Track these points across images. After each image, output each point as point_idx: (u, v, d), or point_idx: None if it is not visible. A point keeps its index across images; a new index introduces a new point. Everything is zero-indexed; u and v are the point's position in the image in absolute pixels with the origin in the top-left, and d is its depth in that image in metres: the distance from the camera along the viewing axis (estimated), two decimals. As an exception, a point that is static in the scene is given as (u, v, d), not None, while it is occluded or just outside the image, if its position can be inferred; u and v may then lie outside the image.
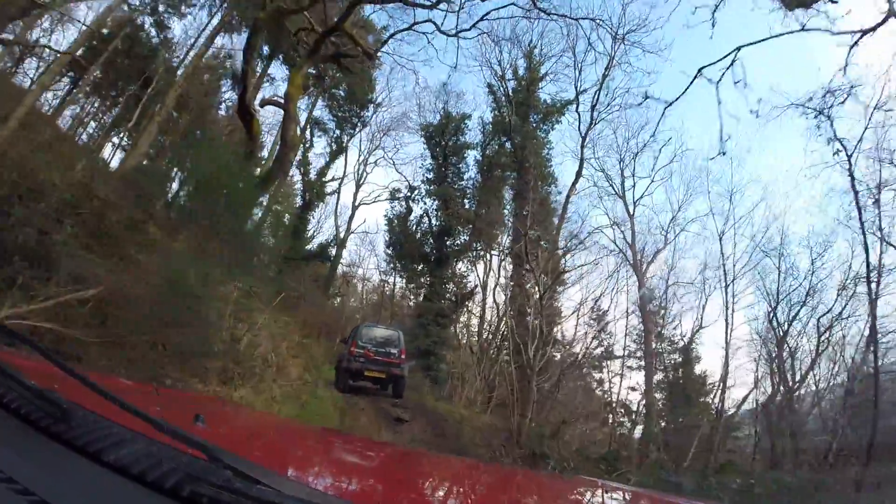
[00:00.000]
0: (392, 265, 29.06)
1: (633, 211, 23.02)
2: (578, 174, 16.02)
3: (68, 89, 21.92)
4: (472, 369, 14.95)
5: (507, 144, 21.02)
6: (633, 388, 23.99)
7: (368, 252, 37.96)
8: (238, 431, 1.68)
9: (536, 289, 13.23)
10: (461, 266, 24.91)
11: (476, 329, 22.49)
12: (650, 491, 3.80)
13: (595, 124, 15.87)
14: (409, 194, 26.95)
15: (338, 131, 26.74)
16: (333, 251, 30.64)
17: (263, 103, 14.27)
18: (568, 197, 16.42)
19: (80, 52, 20.16)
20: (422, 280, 24.97)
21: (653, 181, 24.56)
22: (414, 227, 26.29)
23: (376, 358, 12.15)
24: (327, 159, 28.87)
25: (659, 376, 24.08)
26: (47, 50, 18.63)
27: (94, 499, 0.72)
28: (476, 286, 22.86)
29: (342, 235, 31.79)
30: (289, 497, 0.69)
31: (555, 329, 16.43)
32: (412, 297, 28.43)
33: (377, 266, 34.51)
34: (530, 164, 18.55)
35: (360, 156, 32.50)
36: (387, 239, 27.89)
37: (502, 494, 1.56)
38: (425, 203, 26.39)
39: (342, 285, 35.80)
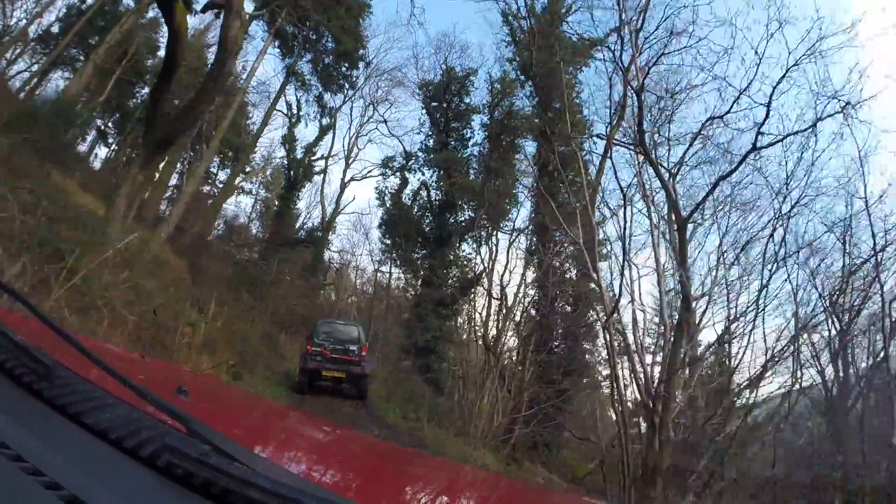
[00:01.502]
0: (386, 251, 25.32)
1: (673, 183, 19.27)
2: (620, 117, 12.13)
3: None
4: (490, 381, 10.93)
5: (528, 89, 17.11)
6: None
7: (362, 238, 34.19)
8: (221, 408, 1.63)
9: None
10: (466, 248, 21.20)
11: (493, 321, 18.46)
12: None
13: (640, 54, 11.93)
14: (404, 163, 23.12)
15: (320, 87, 22.76)
16: (320, 234, 26.95)
17: (206, 8, 10.47)
18: (607, 148, 12.64)
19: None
20: (419, 264, 21.21)
21: (690, 146, 20.68)
22: (410, 202, 22.50)
23: (334, 356, 10.98)
24: (316, 126, 25.23)
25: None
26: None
27: (69, 458, 0.70)
28: (485, 270, 19.08)
29: (329, 216, 27.89)
30: (262, 477, 0.67)
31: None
32: (409, 287, 24.63)
33: (370, 252, 30.60)
34: (555, 112, 14.74)
35: (350, 122, 28.71)
36: (380, 217, 24.04)
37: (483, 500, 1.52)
38: (423, 174, 22.65)
39: (335, 276, 32.16)
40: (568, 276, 12.75)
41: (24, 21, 20.68)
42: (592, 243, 10.23)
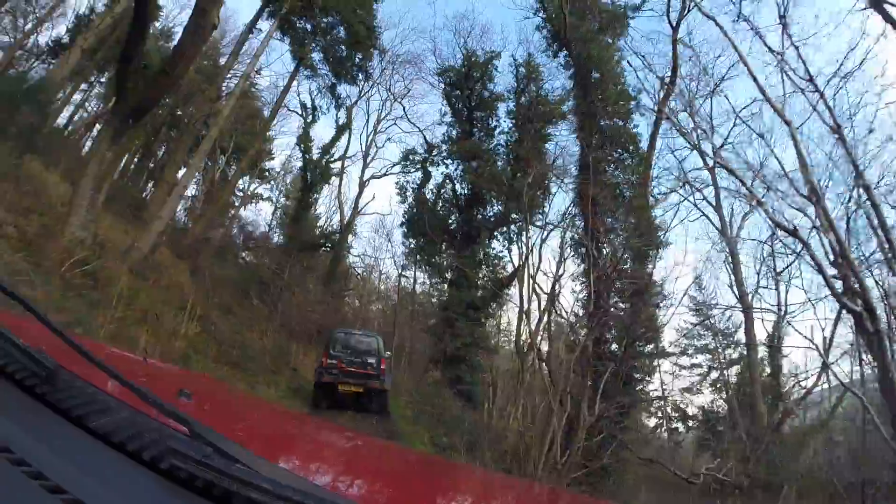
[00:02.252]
0: (409, 253, 23.61)
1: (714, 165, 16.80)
2: (672, 83, 10.15)
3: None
4: (546, 400, 8.89)
5: (562, 55, 15.14)
6: (688, 390, 21.31)
7: (384, 241, 32.57)
8: (222, 410, 1.61)
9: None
10: (496, 245, 19.30)
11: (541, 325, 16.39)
12: None
13: (689, 11, 9.92)
14: (426, 155, 21.39)
15: (332, 77, 21.28)
16: (337, 236, 25.46)
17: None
18: (658, 118, 10.67)
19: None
20: (446, 264, 19.40)
21: (735, 124, 18.26)
22: (434, 197, 20.73)
23: (350, 370, 9.94)
24: (332, 127, 23.88)
25: (714, 375, 20.37)
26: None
27: (72, 462, 0.69)
28: (521, 265, 17.18)
29: (347, 217, 26.35)
30: (265, 479, 0.67)
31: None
32: (435, 291, 22.84)
33: (392, 255, 28.97)
34: (594, 80, 12.78)
35: (367, 118, 27.22)
36: (402, 216, 22.31)
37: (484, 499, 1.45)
38: (447, 166, 20.89)
39: (358, 281, 30.60)
40: (626, 266, 10.78)
41: (35, 33, 20.27)
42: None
